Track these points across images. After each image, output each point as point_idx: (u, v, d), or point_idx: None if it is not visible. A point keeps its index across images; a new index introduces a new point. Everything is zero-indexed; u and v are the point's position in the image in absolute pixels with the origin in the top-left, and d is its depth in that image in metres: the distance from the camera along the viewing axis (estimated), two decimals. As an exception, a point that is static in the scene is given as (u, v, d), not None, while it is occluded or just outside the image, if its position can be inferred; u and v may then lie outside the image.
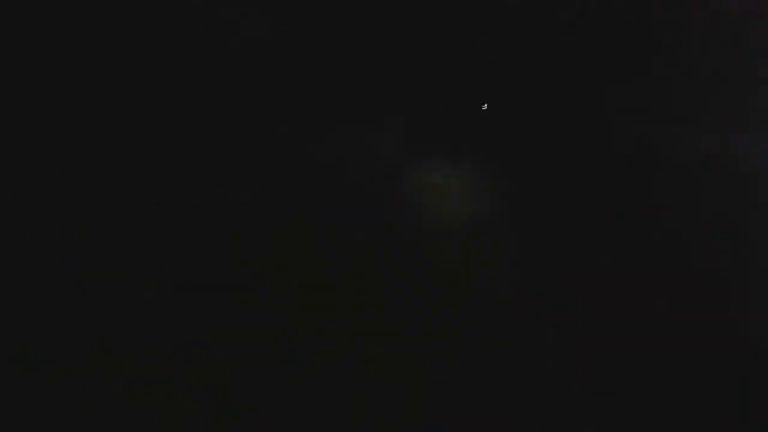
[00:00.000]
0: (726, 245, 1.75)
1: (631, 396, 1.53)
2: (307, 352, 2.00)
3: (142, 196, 1.81)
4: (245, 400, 1.58)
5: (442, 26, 1.95)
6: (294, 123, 2.62)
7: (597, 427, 1.43)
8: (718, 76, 1.61)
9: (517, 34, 2.03)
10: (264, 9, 1.70)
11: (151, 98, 1.86)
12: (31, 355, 1.36)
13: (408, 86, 2.52)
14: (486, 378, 1.78)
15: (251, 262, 2.30)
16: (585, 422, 1.46)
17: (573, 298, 1.94)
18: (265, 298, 2.29)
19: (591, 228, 1.98)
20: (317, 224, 2.73)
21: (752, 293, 1.39)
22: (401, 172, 2.28)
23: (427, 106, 2.93)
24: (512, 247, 2.11)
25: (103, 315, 1.59)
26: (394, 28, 1.94)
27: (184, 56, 1.89)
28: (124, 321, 1.67)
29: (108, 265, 1.64)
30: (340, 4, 1.72)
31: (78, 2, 1.47)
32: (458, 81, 2.53)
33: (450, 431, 1.43)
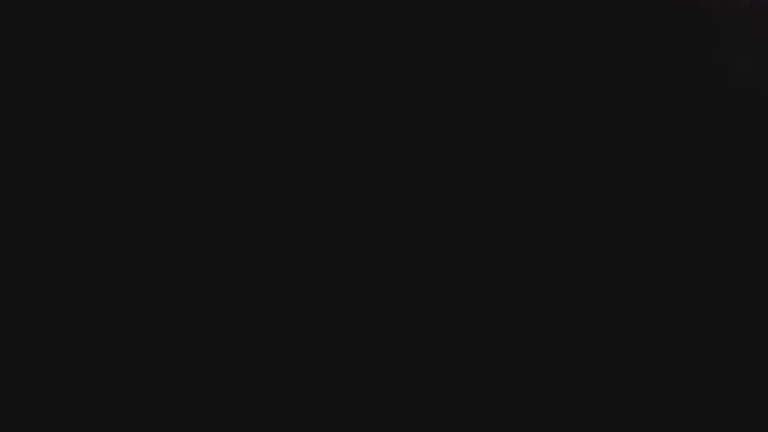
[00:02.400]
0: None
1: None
2: (307, 351, 1.99)
3: (141, 196, 1.82)
4: (245, 400, 1.58)
5: (442, 26, 1.95)
6: (293, 123, 2.62)
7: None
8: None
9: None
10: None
11: (151, 98, 1.86)
12: (31, 354, 1.36)
13: (408, 85, 2.52)
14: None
15: (251, 262, 2.30)
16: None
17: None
18: (265, 298, 2.29)
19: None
20: (317, 224, 2.73)
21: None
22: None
23: (426, 104, 2.93)
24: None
25: (103, 315, 1.60)
26: (394, 29, 1.94)
27: (184, 56, 1.90)
28: (124, 321, 1.68)
29: (108, 265, 1.65)
30: (340, 4, 1.73)
31: (79, 2, 1.48)
32: (458, 82, 2.52)
33: None
